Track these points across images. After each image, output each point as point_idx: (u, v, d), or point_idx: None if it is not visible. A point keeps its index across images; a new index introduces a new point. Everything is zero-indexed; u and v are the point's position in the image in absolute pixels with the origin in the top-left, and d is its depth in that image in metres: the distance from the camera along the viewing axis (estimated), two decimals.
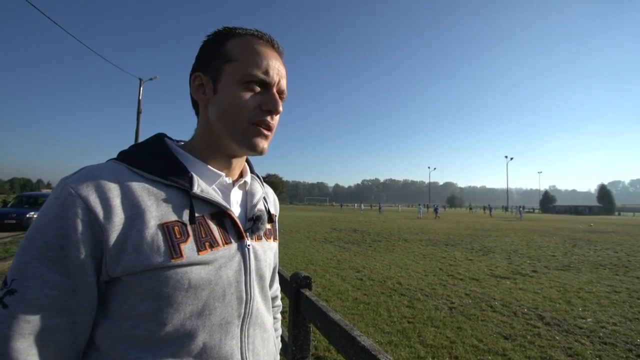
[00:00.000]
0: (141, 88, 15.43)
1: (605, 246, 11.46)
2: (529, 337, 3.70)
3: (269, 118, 0.60)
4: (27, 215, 11.88)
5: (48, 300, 0.46)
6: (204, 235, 0.56)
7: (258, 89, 0.59)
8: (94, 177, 0.50)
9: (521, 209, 37.21)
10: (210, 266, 0.55)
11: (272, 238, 0.74)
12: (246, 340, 0.60)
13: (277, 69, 0.61)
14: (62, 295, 0.47)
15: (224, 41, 0.61)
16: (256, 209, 0.68)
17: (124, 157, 0.57)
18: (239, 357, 0.58)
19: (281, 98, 0.63)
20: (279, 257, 0.93)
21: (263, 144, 0.61)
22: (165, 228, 0.52)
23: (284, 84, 0.63)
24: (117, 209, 0.50)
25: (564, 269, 7.45)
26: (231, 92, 0.58)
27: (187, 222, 0.55)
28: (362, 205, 59.06)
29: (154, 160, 0.57)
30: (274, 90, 0.61)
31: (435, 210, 31.84)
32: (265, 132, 0.61)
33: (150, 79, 15.97)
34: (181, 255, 0.52)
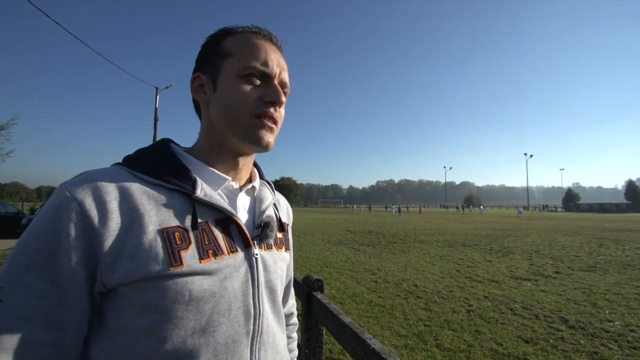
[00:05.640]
0: (157, 96, 15.89)
1: (635, 245, 10.90)
2: (551, 341, 3.57)
3: (272, 110, 0.58)
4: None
5: (34, 312, 0.42)
6: (207, 243, 0.52)
7: (258, 81, 0.58)
8: (91, 180, 0.48)
9: (521, 208, 46.14)
10: (214, 277, 0.51)
11: (283, 248, 0.69)
12: None
13: (276, 61, 0.60)
14: (50, 307, 0.43)
15: (222, 39, 0.60)
16: (265, 215, 0.64)
17: (127, 160, 0.56)
18: None
19: (283, 92, 0.62)
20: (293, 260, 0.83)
21: (268, 137, 0.58)
22: (165, 234, 0.49)
23: (285, 76, 0.62)
24: (113, 213, 0.47)
25: (589, 270, 7.14)
26: (231, 87, 0.57)
27: (189, 228, 0.51)
28: (357, 206, 73.61)
29: (156, 163, 0.55)
30: (276, 81, 0.59)
31: (399, 210, 44.88)
32: (270, 124, 0.58)
33: (166, 87, 16.43)
34: (181, 263, 0.48)
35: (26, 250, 0.44)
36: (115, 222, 0.47)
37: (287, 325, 0.79)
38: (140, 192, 0.51)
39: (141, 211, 0.49)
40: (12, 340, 0.41)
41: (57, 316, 0.44)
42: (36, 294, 0.43)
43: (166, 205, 0.52)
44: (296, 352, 0.82)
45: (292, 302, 0.84)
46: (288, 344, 0.71)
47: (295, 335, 0.84)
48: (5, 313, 0.41)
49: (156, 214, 0.50)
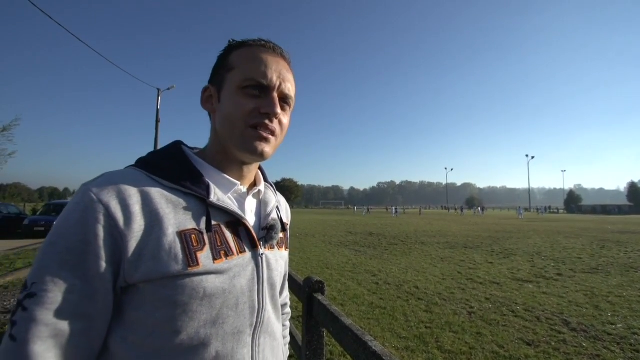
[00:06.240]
0: (159, 98, 15.94)
1: (637, 247, 10.85)
2: (553, 344, 3.56)
3: (267, 121, 0.60)
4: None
5: (66, 305, 0.46)
6: (219, 244, 0.57)
7: (257, 93, 0.60)
8: (115, 183, 0.52)
9: (521, 209, 45.52)
10: (225, 275, 0.56)
11: (283, 247, 0.74)
12: (257, 348, 0.61)
13: (278, 72, 0.61)
14: (81, 300, 0.47)
15: (229, 53, 0.63)
16: (270, 218, 0.69)
17: (143, 164, 0.59)
18: None
19: (286, 103, 0.64)
20: (293, 261, 0.94)
21: (263, 146, 0.60)
22: (183, 236, 0.53)
23: (288, 88, 0.63)
24: (136, 216, 0.51)
25: (591, 272, 7.11)
26: (231, 99, 0.60)
27: (204, 231, 0.56)
28: (359, 207, 76.39)
29: (172, 167, 0.59)
30: (274, 94, 0.60)
31: (396, 211, 44.74)
32: (265, 134, 0.60)
33: (168, 89, 16.48)
34: (198, 264, 0.53)
35: (57, 249, 0.48)
36: (138, 224, 0.51)
37: (282, 314, 0.86)
38: (159, 196, 0.55)
39: (161, 214, 0.53)
40: (47, 330, 0.45)
41: (87, 309, 0.48)
42: (68, 289, 0.47)
43: (183, 209, 0.56)
44: (288, 339, 0.90)
45: (286, 294, 0.91)
46: (282, 331, 0.76)
47: (288, 323, 0.91)
48: (40, 305, 0.45)
49: (174, 217, 0.54)
